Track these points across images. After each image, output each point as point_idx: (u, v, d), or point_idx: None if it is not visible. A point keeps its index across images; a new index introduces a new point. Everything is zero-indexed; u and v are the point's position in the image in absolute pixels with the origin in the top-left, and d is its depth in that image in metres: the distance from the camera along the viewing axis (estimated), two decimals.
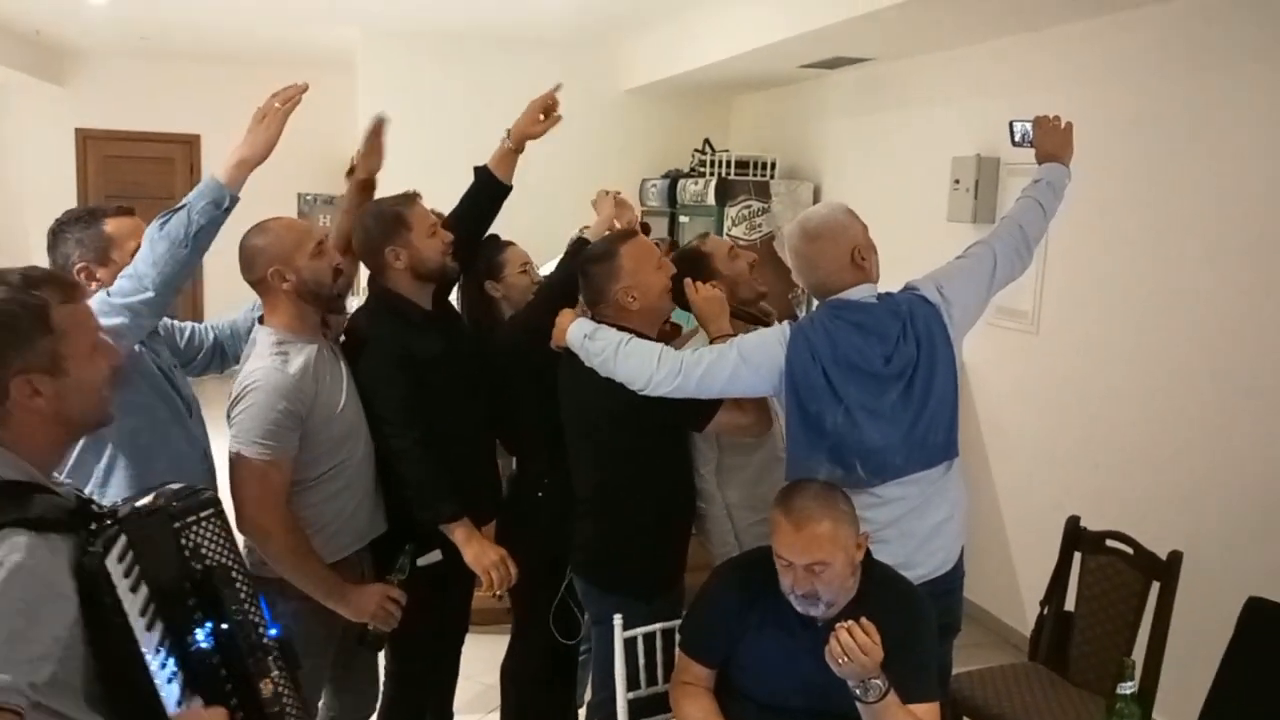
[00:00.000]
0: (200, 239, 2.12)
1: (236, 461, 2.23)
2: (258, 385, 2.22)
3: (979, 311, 2.52)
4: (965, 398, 4.77)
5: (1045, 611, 3.16)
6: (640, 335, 2.42)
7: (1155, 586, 2.87)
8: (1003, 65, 4.60)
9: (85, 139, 9.12)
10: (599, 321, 2.47)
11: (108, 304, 2.07)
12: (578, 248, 2.69)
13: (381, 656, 2.81)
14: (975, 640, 4.38)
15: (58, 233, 2.31)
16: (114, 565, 1.37)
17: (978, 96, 4.72)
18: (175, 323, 2.61)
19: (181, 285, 2.17)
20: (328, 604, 2.30)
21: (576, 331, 2.44)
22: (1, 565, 1.27)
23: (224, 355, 2.62)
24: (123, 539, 1.42)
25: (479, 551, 2.47)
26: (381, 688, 2.77)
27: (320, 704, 2.59)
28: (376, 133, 2.81)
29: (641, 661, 2.38)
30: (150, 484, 1.66)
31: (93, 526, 1.42)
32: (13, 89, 8.80)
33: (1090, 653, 2.97)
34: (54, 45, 8.51)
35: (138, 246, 2.19)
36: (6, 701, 1.21)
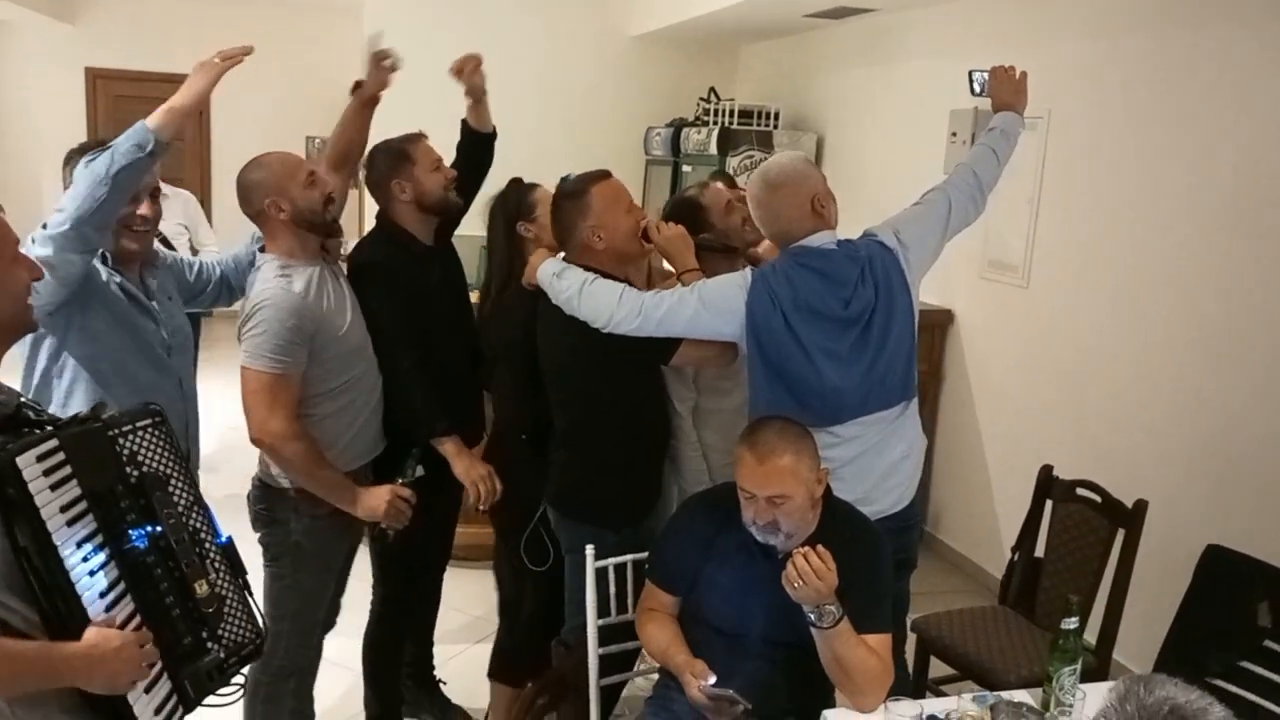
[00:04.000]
0: (120, 178, 2.16)
1: (248, 376, 2.36)
2: (266, 303, 2.35)
3: (934, 256, 2.57)
4: (955, 350, 4.83)
5: (1015, 557, 3.24)
6: (607, 276, 2.47)
7: (1121, 534, 2.94)
8: (1003, 18, 4.58)
9: (95, 78, 9.15)
10: (569, 260, 2.53)
11: (41, 235, 2.16)
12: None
13: (367, 585, 2.92)
14: (955, 586, 4.48)
15: (68, 161, 2.43)
16: (29, 462, 1.48)
17: (977, 49, 4.70)
18: (184, 258, 2.72)
19: (104, 223, 2.20)
20: (341, 506, 2.45)
21: (546, 270, 2.51)
22: None
23: (230, 288, 2.72)
24: (52, 442, 1.53)
25: (468, 465, 2.64)
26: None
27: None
28: (378, 54, 2.87)
29: (612, 591, 2.47)
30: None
31: (25, 431, 1.53)
32: (24, 27, 8.82)
33: (1056, 596, 3.05)
34: None
35: (144, 187, 2.29)
36: None
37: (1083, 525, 3.05)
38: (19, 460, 1.48)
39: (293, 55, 9.23)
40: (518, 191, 2.90)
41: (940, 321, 4.84)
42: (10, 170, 8.86)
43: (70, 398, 2.27)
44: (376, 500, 2.48)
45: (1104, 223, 3.95)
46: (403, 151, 2.69)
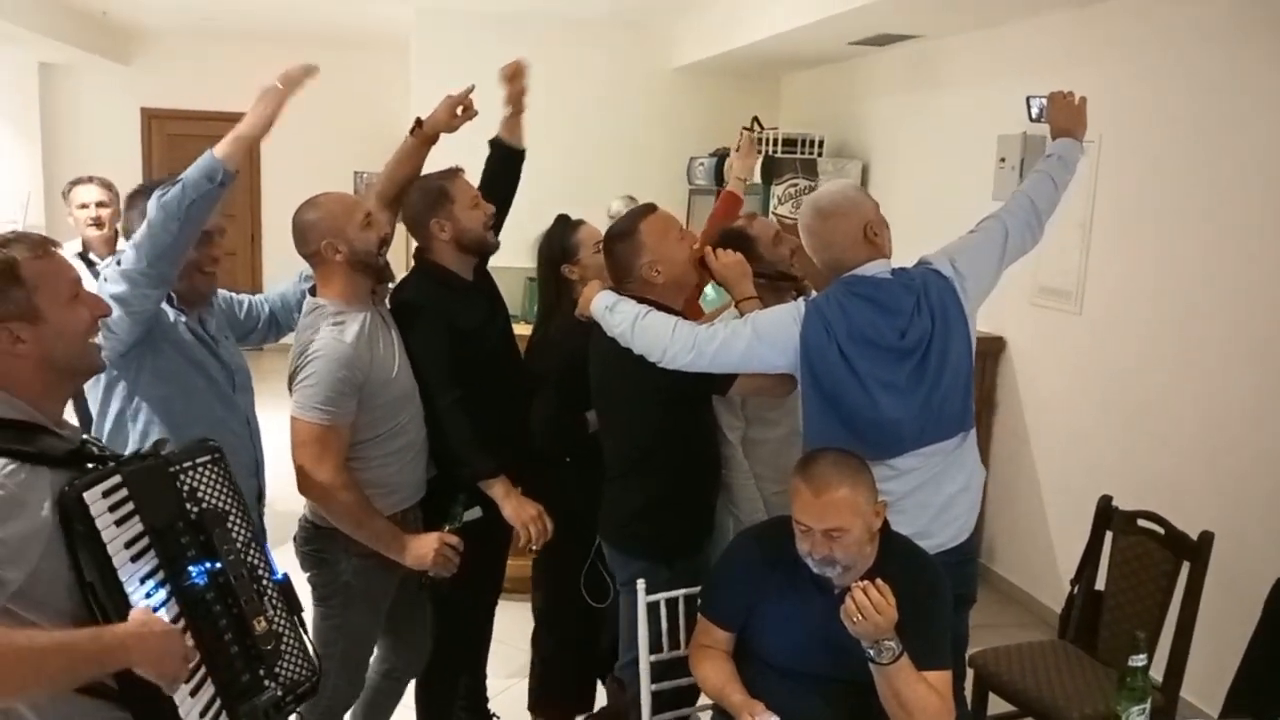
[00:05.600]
0: (193, 211, 2.19)
1: (298, 428, 2.36)
2: (319, 355, 2.34)
3: (991, 284, 2.53)
4: (1008, 378, 4.76)
5: (1075, 590, 3.17)
6: (663, 308, 2.47)
7: (1186, 567, 2.86)
8: (1050, 42, 4.54)
9: (150, 117, 9.38)
10: (626, 294, 2.52)
11: (114, 272, 2.20)
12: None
13: None
14: (1010, 619, 4.39)
15: (130, 200, 2.48)
16: (95, 498, 1.51)
17: (1024, 74, 4.66)
18: (234, 296, 2.75)
19: (178, 257, 2.23)
20: (388, 555, 2.44)
21: (600, 303, 2.50)
22: None
23: (278, 326, 2.75)
24: (116, 478, 1.56)
25: (517, 506, 2.60)
26: None
27: (375, 657, 2.72)
28: (456, 99, 2.85)
29: (664, 626, 2.44)
30: None
31: (89, 467, 1.56)
32: (82, 69, 9.07)
33: (1119, 631, 2.97)
34: (121, 26, 8.76)
35: (213, 225, 2.34)
36: None
37: (1145, 558, 2.97)
38: (85, 495, 1.50)
39: (341, 92, 9.38)
40: (561, 233, 2.91)
41: (991, 349, 4.77)
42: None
43: (146, 440, 2.29)
44: (424, 548, 2.45)
45: (1158, 248, 3.88)
46: (441, 190, 2.65)
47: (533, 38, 6.78)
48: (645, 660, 2.41)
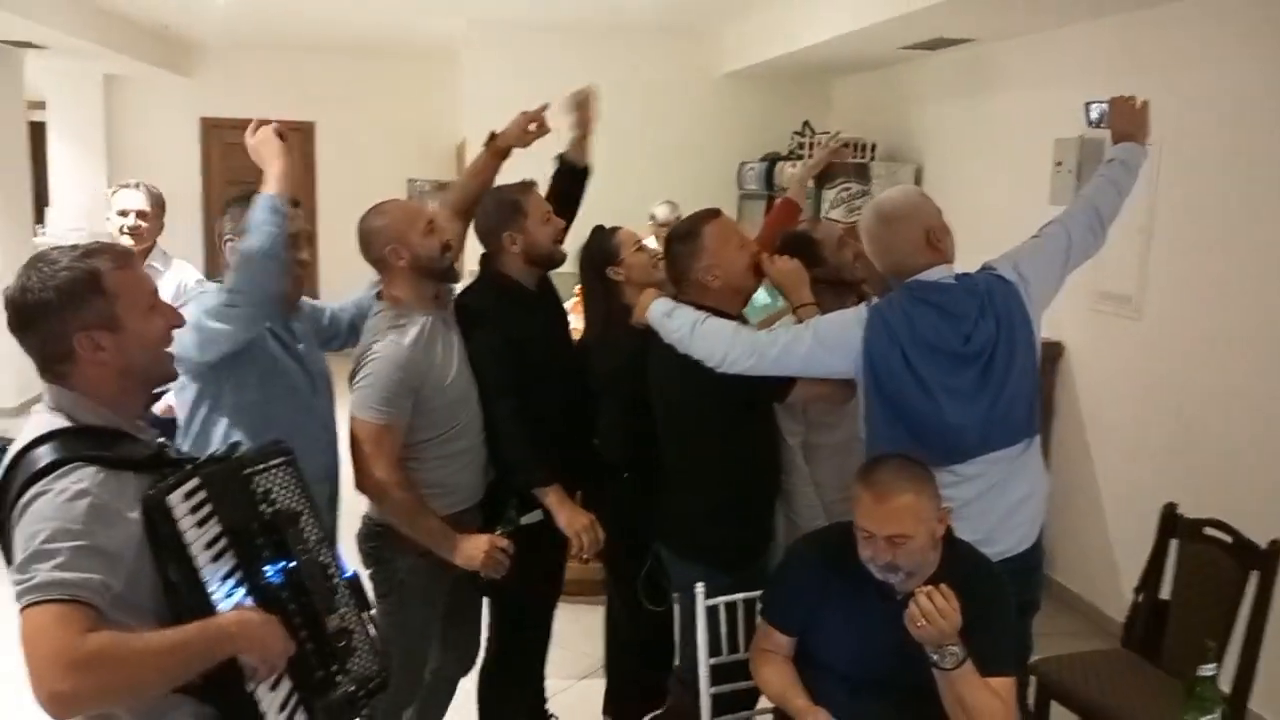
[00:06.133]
0: (275, 249, 2.28)
1: (355, 426, 2.43)
2: (377, 356, 2.41)
3: (1055, 289, 2.51)
4: (1066, 383, 4.71)
5: (1139, 599, 3.12)
6: (719, 313, 2.47)
7: (1254, 576, 2.81)
8: (1106, 45, 4.49)
9: (209, 127, 9.59)
10: (682, 299, 2.54)
11: (214, 307, 2.27)
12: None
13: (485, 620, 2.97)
14: (1073, 629, 4.33)
15: (224, 209, 2.57)
16: (178, 501, 1.55)
17: (1081, 77, 4.61)
18: (317, 304, 2.83)
19: (277, 291, 2.34)
20: (440, 553, 2.48)
21: (657, 310, 2.52)
22: (67, 490, 1.47)
23: (356, 332, 2.80)
24: (195, 480, 1.60)
25: (570, 515, 2.63)
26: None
27: None
28: (529, 115, 2.92)
29: (724, 630, 2.45)
30: None
31: (166, 471, 1.60)
32: (144, 80, 9.29)
33: (1184, 641, 2.92)
34: (181, 39, 8.97)
35: (298, 231, 2.43)
36: (81, 596, 1.40)
37: (1211, 566, 2.92)
38: (169, 499, 1.54)
39: (394, 101, 9.55)
40: (600, 239, 2.94)
41: (1050, 354, 4.71)
42: None
43: (228, 442, 2.34)
44: (475, 549, 2.49)
45: (1219, 253, 3.82)
46: (516, 203, 2.70)
47: (582, 46, 6.85)
48: (704, 664, 2.42)
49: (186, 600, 1.54)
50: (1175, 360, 4.04)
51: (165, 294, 2.89)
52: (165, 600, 1.55)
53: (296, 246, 2.45)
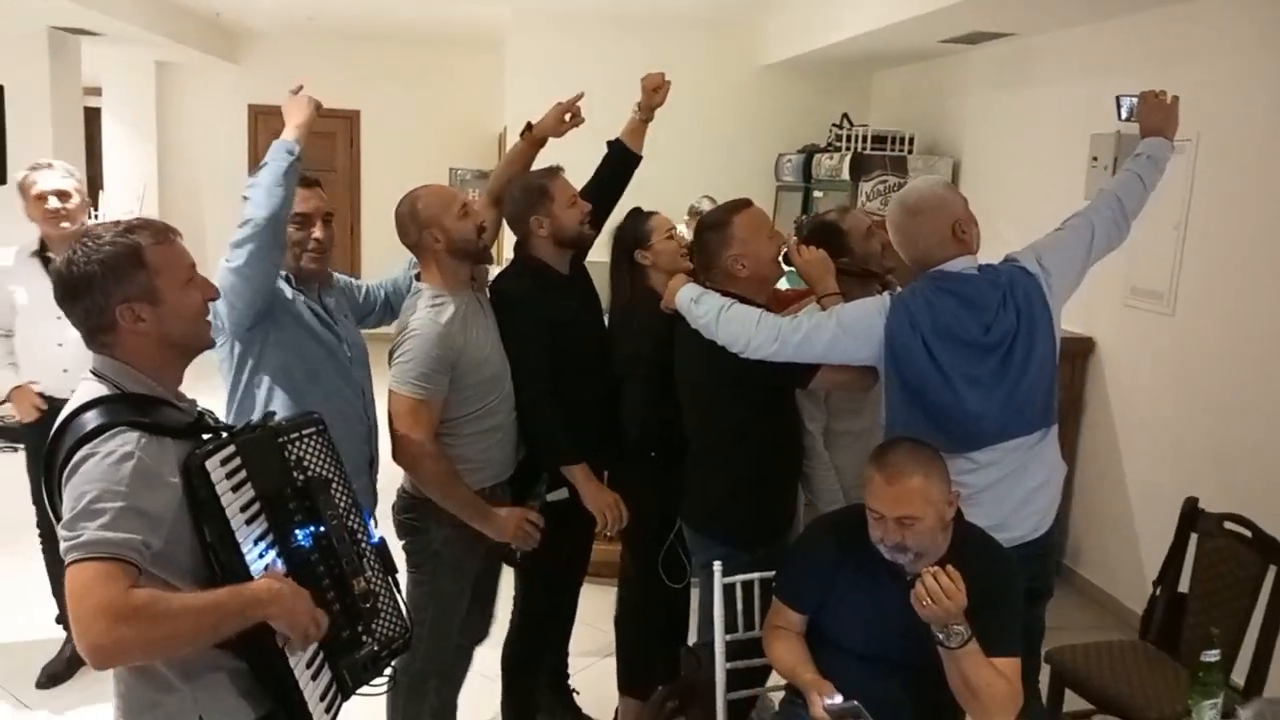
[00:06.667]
0: (288, 178, 2.38)
1: (394, 400, 2.54)
2: (416, 334, 2.52)
3: (1077, 281, 2.53)
4: (1097, 379, 4.71)
5: (1157, 592, 3.14)
6: (745, 300, 2.53)
7: (1272, 571, 2.82)
8: (1145, 39, 4.47)
9: (257, 114, 9.78)
10: (709, 286, 2.60)
11: (225, 269, 2.34)
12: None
13: (508, 595, 3.05)
14: (1095, 622, 4.34)
15: None
16: (215, 466, 1.63)
17: (1119, 72, 4.60)
18: (354, 281, 2.93)
19: (288, 216, 2.41)
20: (473, 524, 2.59)
21: (684, 295, 2.58)
22: (113, 454, 1.54)
23: (391, 310, 2.92)
24: (231, 447, 1.67)
25: (596, 493, 2.75)
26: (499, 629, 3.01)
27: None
28: (565, 105, 3.01)
29: (740, 608, 2.52)
30: None
31: (206, 437, 1.68)
32: (194, 68, 9.50)
33: (1201, 634, 2.93)
34: (231, 27, 9.15)
35: (313, 209, 2.52)
36: (123, 554, 1.48)
37: (1230, 560, 2.94)
38: (208, 464, 1.63)
39: (437, 90, 9.68)
40: (635, 221, 3.01)
41: (1081, 350, 4.71)
42: (180, 198, 9.54)
43: (270, 405, 2.45)
44: (507, 522, 2.61)
45: (1254, 249, 3.80)
46: (542, 188, 2.78)
47: (624, 37, 6.91)
48: (720, 640, 2.48)
49: (221, 559, 1.62)
50: (1208, 357, 4.03)
51: None
52: (201, 559, 1.63)
53: (311, 224, 2.52)
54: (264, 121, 9.74)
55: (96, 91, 9.54)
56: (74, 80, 7.63)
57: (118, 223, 1.73)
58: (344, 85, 9.41)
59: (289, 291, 2.50)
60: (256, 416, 2.38)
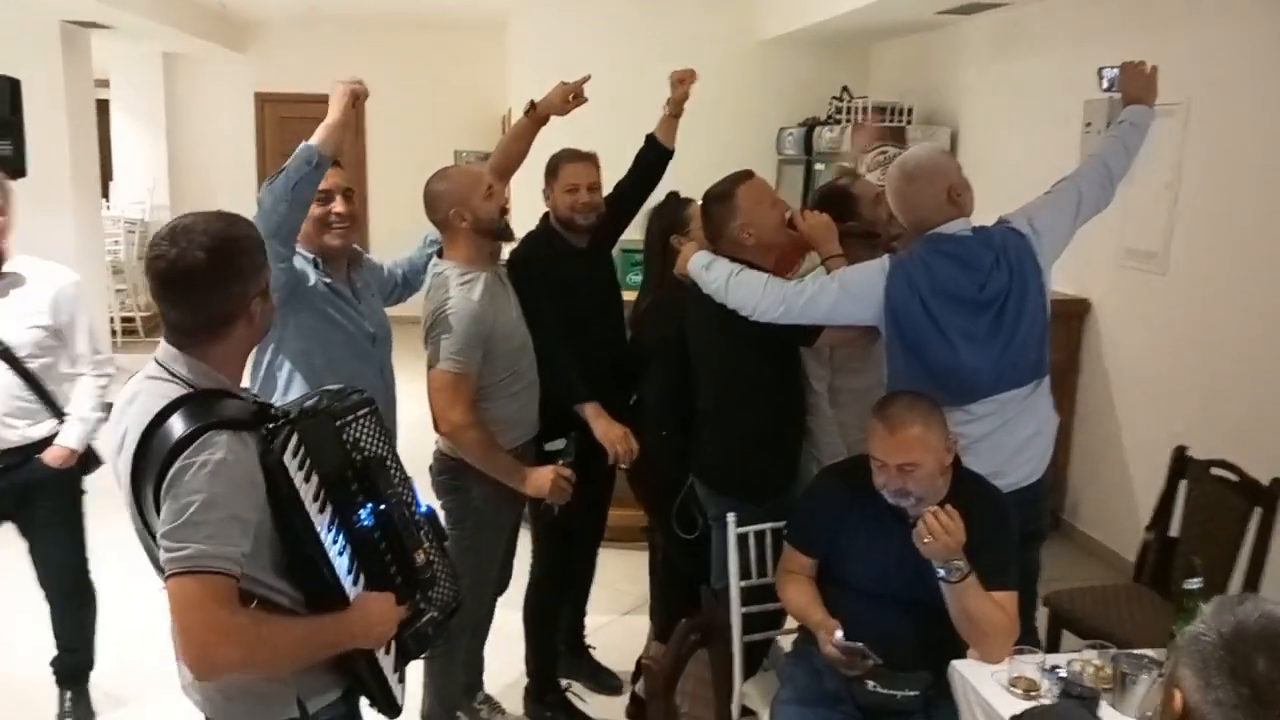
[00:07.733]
0: (298, 192, 2.40)
1: (433, 376, 2.70)
2: (452, 312, 2.68)
3: (1065, 242, 2.67)
4: (1092, 339, 4.84)
5: (1149, 536, 3.29)
6: (754, 267, 2.68)
7: (1258, 512, 2.97)
8: (1137, 6, 4.57)
9: (263, 102, 9.90)
10: (718, 254, 2.74)
11: None
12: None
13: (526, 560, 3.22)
14: (1095, 575, 4.46)
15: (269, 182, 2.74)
16: (289, 460, 1.61)
17: (1112, 39, 4.70)
18: (378, 261, 3.05)
19: (291, 235, 2.45)
20: (510, 484, 2.77)
21: (696, 262, 2.73)
22: (208, 464, 1.52)
23: (409, 286, 3.07)
24: (295, 437, 1.64)
25: (606, 427, 2.95)
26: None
27: None
28: (568, 86, 3.13)
29: (753, 555, 2.68)
30: None
31: (269, 426, 1.65)
32: (202, 57, 9.61)
33: (1185, 564, 3.08)
34: (237, 16, 9.25)
35: (332, 185, 2.57)
36: (226, 569, 1.52)
37: (1219, 504, 3.09)
38: (284, 459, 1.62)
39: (441, 73, 9.77)
40: (673, 206, 3.17)
41: (1077, 311, 4.85)
42: (191, 188, 9.67)
43: (290, 388, 2.58)
44: (543, 479, 2.77)
45: (1245, 210, 3.93)
46: (554, 168, 3.06)
47: (625, 14, 7.01)
48: (735, 586, 2.65)
49: (305, 550, 1.64)
50: (1200, 316, 4.16)
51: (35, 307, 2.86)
52: (281, 551, 1.64)
53: (331, 199, 2.59)
54: (271, 109, 9.86)
55: (104, 84, 9.64)
56: (86, 74, 7.73)
57: (221, 214, 1.69)
58: (348, 70, 9.38)
59: (312, 277, 2.58)
60: (277, 398, 2.51)
